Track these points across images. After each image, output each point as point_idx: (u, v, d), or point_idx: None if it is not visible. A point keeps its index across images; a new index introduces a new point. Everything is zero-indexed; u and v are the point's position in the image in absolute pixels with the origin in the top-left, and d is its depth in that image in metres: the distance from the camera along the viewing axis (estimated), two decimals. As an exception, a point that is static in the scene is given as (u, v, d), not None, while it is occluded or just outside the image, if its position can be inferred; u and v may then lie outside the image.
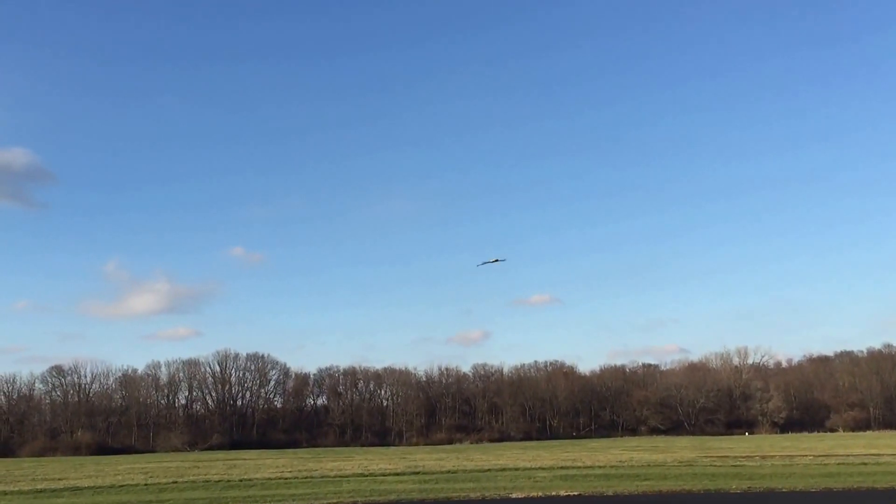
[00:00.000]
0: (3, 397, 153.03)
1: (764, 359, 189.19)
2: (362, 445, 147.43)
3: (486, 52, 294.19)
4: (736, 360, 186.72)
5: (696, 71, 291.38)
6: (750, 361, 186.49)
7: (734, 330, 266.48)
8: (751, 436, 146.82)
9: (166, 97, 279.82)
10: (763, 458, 55.23)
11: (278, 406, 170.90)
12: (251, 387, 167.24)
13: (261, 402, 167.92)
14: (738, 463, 49.42)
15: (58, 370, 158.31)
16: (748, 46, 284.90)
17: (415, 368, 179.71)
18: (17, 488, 41.08)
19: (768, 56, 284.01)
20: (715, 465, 47.01)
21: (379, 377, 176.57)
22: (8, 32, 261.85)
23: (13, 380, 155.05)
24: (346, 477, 42.48)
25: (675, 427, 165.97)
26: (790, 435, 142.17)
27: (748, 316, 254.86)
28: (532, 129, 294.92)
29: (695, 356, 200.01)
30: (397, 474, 43.46)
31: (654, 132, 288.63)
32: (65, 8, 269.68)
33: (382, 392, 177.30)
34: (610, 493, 31.50)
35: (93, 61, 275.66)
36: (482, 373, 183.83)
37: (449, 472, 44.76)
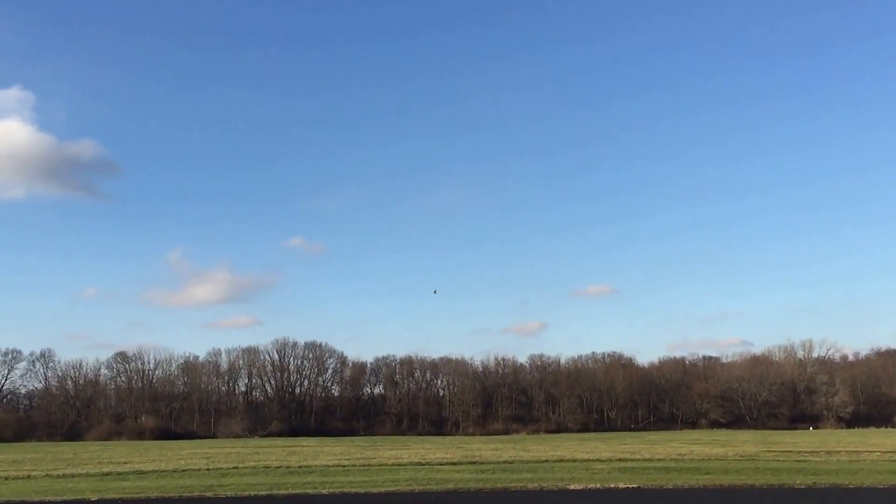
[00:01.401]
0: (70, 382, 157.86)
1: (829, 352, 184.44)
2: (419, 434, 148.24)
3: (547, 35, 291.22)
4: (800, 354, 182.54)
5: (762, 54, 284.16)
6: (815, 355, 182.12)
7: (799, 323, 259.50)
8: (815, 431, 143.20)
9: (228, 88, 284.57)
10: (828, 453, 53.73)
11: (335, 394, 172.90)
12: (309, 375, 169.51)
13: (318, 390, 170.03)
14: (802, 458, 48.15)
15: (122, 356, 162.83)
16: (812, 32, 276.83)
17: (471, 359, 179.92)
18: (84, 471, 42.17)
19: (832, 44, 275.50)
20: (778, 460, 45.88)
21: (435, 367, 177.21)
22: (74, 25, 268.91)
23: (80, 365, 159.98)
24: (404, 465, 42.60)
25: (736, 421, 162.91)
26: (856, 430, 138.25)
27: (814, 309, 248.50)
28: (590, 115, 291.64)
29: (757, 349, 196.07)
30: (454, 464, 43.41)
31: (716, 117, 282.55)
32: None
33: (439, 382, 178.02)
34: (670, 487, 30.91)
35: (157, 53, 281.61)
36: (539, 363, 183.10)
37: (506, 462, 44.56)
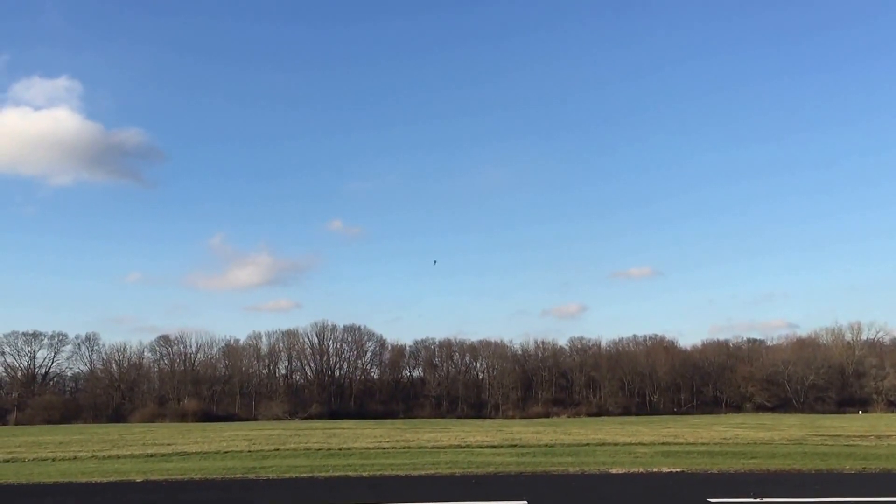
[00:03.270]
0: (114, 365, 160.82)
1: (879, 335, 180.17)
2: (458, 417, 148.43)
3: (590, 4, 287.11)
4: (848, 336, 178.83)
5: (802, 33, 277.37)
6: (864, 337, 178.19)
7: (847, 304, 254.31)
8: (864, 415, 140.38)
9: (268, 69, 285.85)
10: (878, 437, 52.36)
11: (375, 377, 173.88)
12: (348, 358, 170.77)
13: (358, 372, 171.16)
14: (851, 442, 46.96)
15: (165, 340, 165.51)
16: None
17: (510, 341, 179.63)
18: (129, 452, 42.65)
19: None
20: (826, 444, 44.77)
21: (474, 350, 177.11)
22: (120, 11, 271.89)
23: (124, 349, 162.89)
24: (444, 448, 42.37)
25: (782, 405, 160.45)
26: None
27: (862, 290, 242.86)
28: (632, 88, 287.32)
29: (804, 331, 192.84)
30: (494, 447, 43.09)
31: (757, 92, 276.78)
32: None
33: (478, 365, 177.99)
34: (714, 471, 30.20)
35: (199, 35, 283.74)
36: (579, 346, 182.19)
37: (546, 445, 44.11)
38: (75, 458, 39.77)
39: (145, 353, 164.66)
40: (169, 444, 49.47)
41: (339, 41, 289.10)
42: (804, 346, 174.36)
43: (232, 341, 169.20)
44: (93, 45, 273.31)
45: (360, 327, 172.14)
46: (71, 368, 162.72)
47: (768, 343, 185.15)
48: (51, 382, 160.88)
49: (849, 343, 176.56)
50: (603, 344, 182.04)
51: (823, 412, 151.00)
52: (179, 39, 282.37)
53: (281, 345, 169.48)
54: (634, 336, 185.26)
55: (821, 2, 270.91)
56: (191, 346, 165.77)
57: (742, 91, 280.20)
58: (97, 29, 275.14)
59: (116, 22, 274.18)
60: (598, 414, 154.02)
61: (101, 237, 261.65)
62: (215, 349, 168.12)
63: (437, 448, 42.10)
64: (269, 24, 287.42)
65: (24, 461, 38.12)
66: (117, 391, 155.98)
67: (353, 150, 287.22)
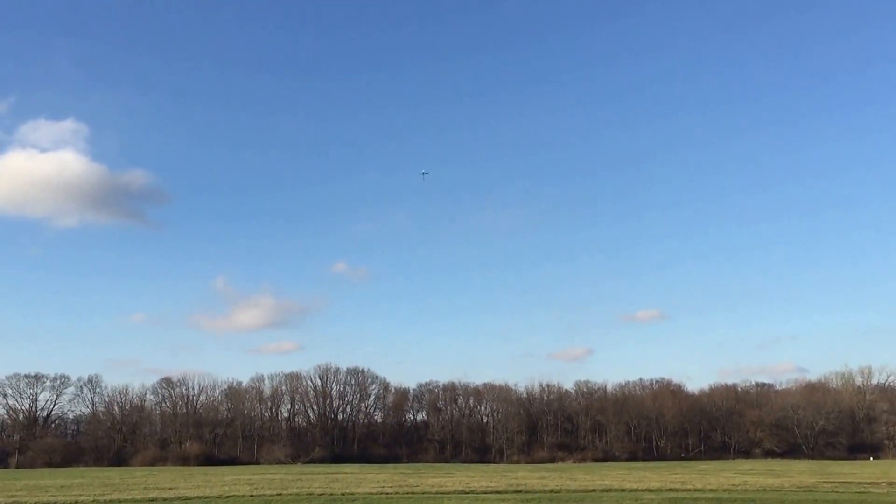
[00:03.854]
0: (116, 408, 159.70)
1: (890, 379, 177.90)
2: (462, 462, 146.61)
3: (598, 56, 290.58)
4: (859, 381, 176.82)
5: (813, 76, 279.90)
6: (874, 382, 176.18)
7: (857, 348, 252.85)
8: (876, 461, 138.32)
9: (272, 114, 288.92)
10: (890, 485, 51.47)
11: (378, 420, 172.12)
12: (351, 401, 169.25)
13: (361, 416, 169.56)
14: (862, 490, 46.15)
15: (167, 382, 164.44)
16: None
17: (515, 385, 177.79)
18: (131, 496, 42.06)
19: None
20: (837, 492, 44.01)
21: (479, 393, 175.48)
22: (126, 57, 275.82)
23: (126, 391, 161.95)
24: (448, 494, 41.69)
25: (791, 450, 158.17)
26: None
27: (872, 333, 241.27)
28: (639, 135, 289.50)
29: (813, 376, 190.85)
30: (499, 492, 42.39)
31: (765, 139, 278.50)
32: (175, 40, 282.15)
33: (482, 408, 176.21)
34: (726, 519, 29.57)
35: (203, 82, 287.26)
36: (585, 390, 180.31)
37: (552, 491, 43.39)
38: (76, 502, 39.25)
39: (147, 396, 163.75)
40: (170, 489, 48.79)
41: (345, 89, 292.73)
42: (814, 391, 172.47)
43: (234, 383, 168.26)
44: (99, 88, 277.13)
45: (363, 370, 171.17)
46: (73, 411, 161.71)
47: (777, 387, 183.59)
48: (52, 425, 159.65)
49: (859, 388, 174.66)
50: (609, 387, 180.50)
51: (834, 458, 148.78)
52: (185, 84, 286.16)
53: (284, 387, 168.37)
54: (641, 380, 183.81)
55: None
56: (193, 389, 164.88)
57: (750, 139, 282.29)
58: (104, 72, 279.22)
59: (123, 66, 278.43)
60: (605, 459, 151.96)
61: (106, 278, 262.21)
62: (218, 391, 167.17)
63: (441, 493, 41.41)
64: (273, 73, 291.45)
65: (22, 505, 37.55)
66: (119, 434, 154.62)
67: (358, 192, 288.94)
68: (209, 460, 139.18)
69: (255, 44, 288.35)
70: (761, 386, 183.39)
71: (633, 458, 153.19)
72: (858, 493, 43.43)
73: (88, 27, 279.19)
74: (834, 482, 54.38)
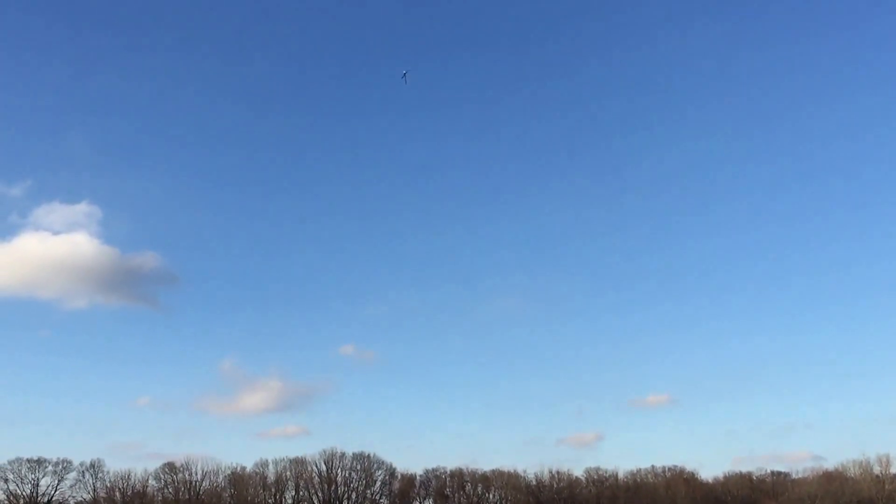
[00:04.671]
0: (118, 494, 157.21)
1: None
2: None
3: (605, 153, 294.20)
4: (877, 469, 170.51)
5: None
6: (893, 470, 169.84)
7: (875, 436, 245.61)
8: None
9: (279, 196, 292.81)
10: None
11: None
12: (357, 487, 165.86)
13: (367, 503, 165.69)
14: None
15: (170, 467, 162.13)
16: None
17: (524, 471, 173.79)
18: None
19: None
20: None
21: (487, 480, 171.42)
22: (140, 142, 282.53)
23: (128, 476, 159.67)
24: None
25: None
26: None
27: (889, 421, 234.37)
28: (643, 229, 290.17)
29: (830, 464, 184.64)
30: None
31: (777, 232, 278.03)
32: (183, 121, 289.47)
33: (491, 496, 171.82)
34: None
35: (215, 166, 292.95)
36: (595, 477, 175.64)
37: None
38: None
39: (150, 482, 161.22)
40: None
41: (353, 169, 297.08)
42: (831, 480, 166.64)
43: (238, 469, 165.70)
44: (114, 172, 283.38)
45: (369, 455, 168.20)
46: (74, 497, 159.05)
47: (793, 476, 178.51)
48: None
49: (877, 476, 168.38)
50: (620, 475, 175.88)
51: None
52: (197, 167, 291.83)
53: (288, 473, 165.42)
54: (653, 467, 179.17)
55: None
56: (196, 474, 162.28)
57: (768, 231, 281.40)
58: (119, 157, 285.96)
59: (138, 150, 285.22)
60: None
61: (113, 361, 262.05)
62: (221, 477, 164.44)
63: None
64: (279, 154, 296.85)
65: None
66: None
67: (367, 275, 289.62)
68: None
69: (263, 127, 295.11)
70: (777, 475, 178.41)
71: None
72: None
73: (105, 112, 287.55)
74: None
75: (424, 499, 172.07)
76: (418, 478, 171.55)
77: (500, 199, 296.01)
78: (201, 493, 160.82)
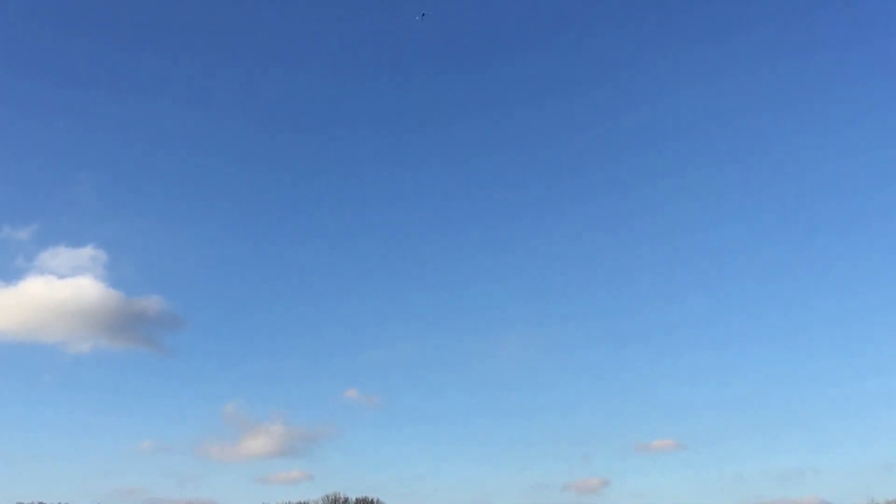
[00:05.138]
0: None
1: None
2: None
3: (610, 210, 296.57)
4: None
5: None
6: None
7: (883, 481, 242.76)
8: None
9: (285, 242, 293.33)
10: None
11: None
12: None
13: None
14: None
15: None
16: None
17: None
18: None
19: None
20: None
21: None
22: (146, 186, 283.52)
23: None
24: None
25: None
26: None
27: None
28: (652, 279, 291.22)
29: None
30: None
31: (784, 279, 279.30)
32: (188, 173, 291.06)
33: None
34: None
35: (219, 210, 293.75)
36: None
37: None
38: None
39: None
40: None
41: (359, 217, 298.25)
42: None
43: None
44: (119, 216, 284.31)
45: (373, 500, 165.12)
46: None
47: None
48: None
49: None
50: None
51: None
52: (201, 213, 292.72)
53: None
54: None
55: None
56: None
57: (774, 279, 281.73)
58: (124, 201, 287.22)
59: (143, 195, 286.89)
60: None
61: (116, 405, 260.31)
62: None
63: None
64: (284, 201, 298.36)
65: None
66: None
67: (371, 320, 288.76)
68: None
69: (269, 175, 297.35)
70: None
71: None
72: None
73: (111, 159, 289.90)
74: None
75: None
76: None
77: (507, 246, 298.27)
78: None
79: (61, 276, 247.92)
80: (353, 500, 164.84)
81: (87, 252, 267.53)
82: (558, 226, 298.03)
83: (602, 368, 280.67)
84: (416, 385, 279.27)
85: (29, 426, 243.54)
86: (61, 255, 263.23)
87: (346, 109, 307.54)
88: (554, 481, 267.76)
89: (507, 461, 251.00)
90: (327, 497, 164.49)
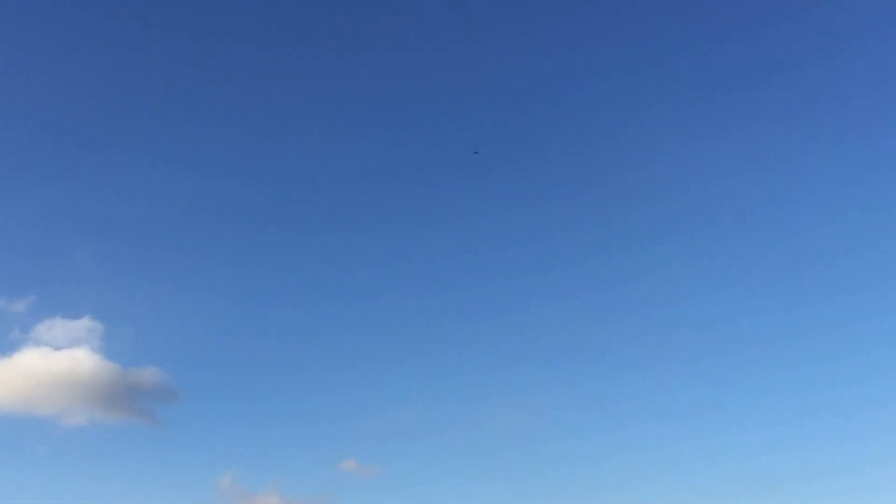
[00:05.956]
0: None
1: None
2: None
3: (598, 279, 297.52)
4: None
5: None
6: None
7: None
8: None
9: (282, 307, 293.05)
10: None
11: None
12: None
13: None
14: None
15: None
16: None
17: None
18: None
19: None
20: None
21: None
22: (145, 254, 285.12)
23: None
24: None
25: None
26: None
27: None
28: (649, 347, 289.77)
29: None
30: None
31: (779, 372, 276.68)
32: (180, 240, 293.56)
33: None
34: None
35: (219, 277, 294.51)
36: None
37: None
38: None
39: None
40: None
41: (357, 283, 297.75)
42: None
43: None
44: (116, 285, 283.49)
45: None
46: None
47: None
48: None
49: None
50: None
51: None
52: (199, 280, 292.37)
53: None
54: None
55: None
56: None
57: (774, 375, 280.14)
58: (123, 271, 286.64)
59: (141, 264, 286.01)
60: None
61: (110, 478, 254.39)
62: None
63: None
64: (281, 269, 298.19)
65: None
66: None
67: (369, 389, 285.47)
68: None
69: (265, 242, 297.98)
70: None
71: None
72: None
73: (109, 230, 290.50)
74: None
75: None
76: None
77: (505, 315, 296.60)
78: None
79: (57, 348, 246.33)
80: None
81: (84, 323, 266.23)
82: (560, 296, 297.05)
83: (601, 441, 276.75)
84: (416, 456, 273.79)
85: (23, 499, 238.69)
86: (57, 327, 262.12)
87: (349, 169, 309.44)
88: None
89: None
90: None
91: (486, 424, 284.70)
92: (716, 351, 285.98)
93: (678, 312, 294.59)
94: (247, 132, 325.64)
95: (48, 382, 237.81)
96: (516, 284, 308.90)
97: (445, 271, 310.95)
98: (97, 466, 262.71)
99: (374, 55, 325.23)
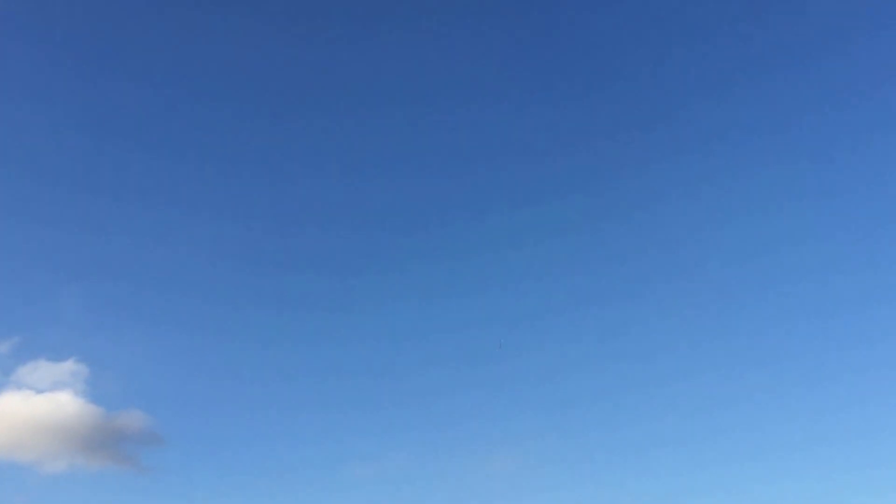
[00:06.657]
0: None
1: None
2: None
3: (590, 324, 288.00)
4: None
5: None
6: None
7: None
8: None
9: (268, 357, 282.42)
10: None
11: None
12: None
13: None
14: None
15: None
16: None
17: None
18: None
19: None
20: None
21: None
22: (132, 298, 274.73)
23: None
24: None
25: None
26: None
27: None
28: (642, 391, 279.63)
29: None
30: None
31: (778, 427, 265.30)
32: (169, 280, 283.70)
33: None
34: None
35: (209, 318, 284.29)
36: None
37: None
38: None
39: None
40: None
41: (343, 327, 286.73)
42: None
43: None
44: (102, 328, 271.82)
45: None
46: None
47: None
48: None
49: None
50: None
51: None
52: (185, 323, 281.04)
53: None
54: None
55: None
56: None
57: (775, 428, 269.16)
58: (108, 313, 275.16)
59: (128, 307, 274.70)
60: None
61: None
62: None
63: None
64: (269, 311, 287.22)
65: None
66: None
67: (354, 435, 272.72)
68: None
69: (255, 283, 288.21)
70: None
71: None
72: None
73: (97, 272, 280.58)
74: None
75: None
76: None
77: (496, 358, 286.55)
78: None
79: (39, 391, 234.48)
80: None
81: (69, 366, 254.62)
82: (553, 340, 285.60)
83: (596, 486, 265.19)
84: (403, 502, 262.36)
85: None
86: (41, 370, 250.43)
87: (344, 212, 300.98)
88: None
89: None
90: None
91: (478, 470, 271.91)
92: (719, 403, 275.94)
93: (677, 361, 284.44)
94: (239, 174, 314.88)
95: (29, 427, 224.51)
96: (506, 331, 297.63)
97: (436, 317, 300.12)
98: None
99: (373, 55, 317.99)
